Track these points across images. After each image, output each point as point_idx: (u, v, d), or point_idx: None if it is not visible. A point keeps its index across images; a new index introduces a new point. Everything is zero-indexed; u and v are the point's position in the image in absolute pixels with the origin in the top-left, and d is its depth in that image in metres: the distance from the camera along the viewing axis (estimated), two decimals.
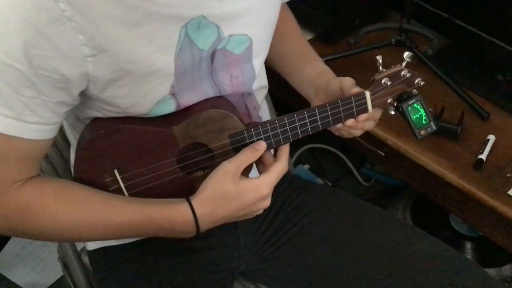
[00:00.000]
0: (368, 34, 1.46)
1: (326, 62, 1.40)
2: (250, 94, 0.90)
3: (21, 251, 1.72)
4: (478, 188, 1.10)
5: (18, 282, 1.65)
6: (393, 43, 1.40)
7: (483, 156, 1.14)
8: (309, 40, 1.48)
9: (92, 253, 0.98)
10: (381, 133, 1.25)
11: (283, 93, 1.28)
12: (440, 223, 1.54)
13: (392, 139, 1.24)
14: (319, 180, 1.79)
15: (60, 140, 0.99)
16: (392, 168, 1.26)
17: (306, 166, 1.83)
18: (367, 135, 1.29)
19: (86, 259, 1.04)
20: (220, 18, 0.75)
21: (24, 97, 0.67)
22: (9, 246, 1.70)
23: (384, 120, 1.21)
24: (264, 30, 0.85)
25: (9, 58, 0.64)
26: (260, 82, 0.92)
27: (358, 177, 1.79)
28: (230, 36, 0.78)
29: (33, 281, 1.65)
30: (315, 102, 0.92)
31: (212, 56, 0.78)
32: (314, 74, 0.95)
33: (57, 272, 1.65)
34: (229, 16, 0.76)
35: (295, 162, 1.81)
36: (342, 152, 1.83)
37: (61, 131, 0.97)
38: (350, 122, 0.85)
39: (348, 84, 0.86)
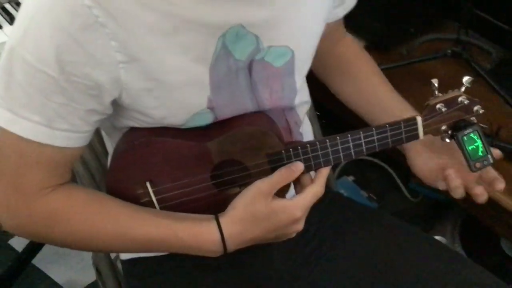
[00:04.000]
0: (423, 44, 1.41)
1: None
2: (291, 109, 0.86)
3: (61, 249, 1.73)
4: None
5: (57, 280, 1.68)
6: (448, 54, 1.34)
7: None
8: None
9: (125, 262, 0.97)
10: None
11: (329, 102, 1.23)
12: (490, 246, 1.46)
13: None
14: (363, 193, 1.74)
15: (98, 146, 0.99)
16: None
17: (351, 178, 1.77)
18: None
19: (119, 266, 1.04)
20: (259, 27, 0.72)
21: (55, 103, 0.67)
22: None
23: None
24: (306, 44, 0.81)
25: (42, 64, 0.64)
26: (302, 97, 0.89)
27: (405, 192, 1.73)
28: (269, 47, 0.75)
29: (72, 279, 1.68)
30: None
31: (250, 67, 0.76)
32: None
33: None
34: (268, 25, 0.73)
35: (340, 173, 1.76)
36: (389, 165, 1.77)
37: (100, 138, 0.96)
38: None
39: None
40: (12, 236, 1.78)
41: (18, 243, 1.75)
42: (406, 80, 1.35)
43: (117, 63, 0.66)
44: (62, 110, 0.67)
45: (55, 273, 1.69)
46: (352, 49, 1.02)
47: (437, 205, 1.70)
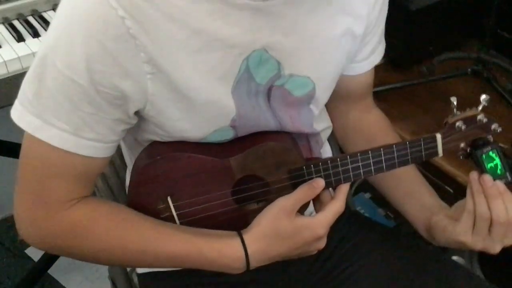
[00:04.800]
0: (443, 63, 1.40)
1: (396, 89, 1.36)
2: (315, 134, 0.87)
3: None
4: None
5: None
6: (469, 73, 1.33)
7: None
8: (379, 65, 1.43)
9: (142, 276, 0.96)
10: (451, 169, 1.18)
11: None
12: (509, 268, 1.43)
13: (462, 176, 1.17)
14: (380, 211, 1.72)
15: (118, 160, 0.99)
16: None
17: (368, 195, 1.76)
18: (435, 169, 1.23)
19: (135, 280, 1.03)
20: (281, 53, 0.72)
21: (83, 112, 0.67)
22: None
23: (455, 155, 1.15)
24: (327, 77, 0.81)
25: (72, 72, 0.64)
26: (323, 124, 0.89)
27: None
28: (291, 75, 0.75)
29: None
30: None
31: (269, 93, 0.76)
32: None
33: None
34: (290, 52, 0.73)
35: (356, 189, 1.74)
36: None
37: (119, 151, 0.96)
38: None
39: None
40: (28, 245, 1.79)
41: (35, 253, 1.76)
42: (426, 98, 1.35)
43: (145, 74, 0.66)
44: (90, 119, 0.68)
45: (71, 283, 1.69)
46: (381, 124, 0.99)
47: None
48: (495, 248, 0.77)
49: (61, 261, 1.67)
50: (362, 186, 1.77)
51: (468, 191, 0.77)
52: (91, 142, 0.70)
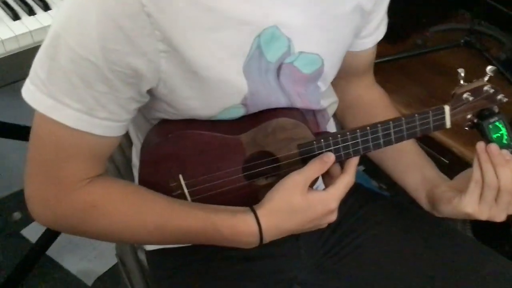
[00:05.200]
0: (435, 34, 1.41)
1: (390, 61, 1.36)
2: (321, 110, 0.88)
3: (75, 238, 1.74)
4: None
5: (71, 270, 1.69)
6: (461, 44, 1.35)
7: None
8: None
9: (150, 253, 0.97)
10: (446, 140, 1.20)
11: None
12: (501, 235, 1.47)
13: (458, 147, 1.19)
14: (374, 183, 1.75)
15: (123, 138, 0.98)
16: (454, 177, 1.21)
17: (361, 168, 1.78)
18: (431, 140, 1.24)
19: (142, 256, 1.04)
20: (292, 30, 0.72)
21: (96, 92, 0.67)
22: (63, 233, 1.74)
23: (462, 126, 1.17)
24: (335, 54, 0.82)
25: (86, 51, 0.64)
26: (329, 99, 0.90)
27: None
28: (300, 52, 0.75)
29: (86, 269, 1.69)
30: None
31: (279, 70, 0.76)
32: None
33: (109, 261, 1.67)
34: (301, 30, 0.73)
35: None
36: None
37: None
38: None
39: None
40: (23, 226, 1.78)
41: (30, 233, 1.76)
42: (419, 70, 1.36)
43: (159, 52, 0.66)
44: (103, 98, 0.67)
45: (69, 263, 1.70)
46: (382, 101, 1.00)
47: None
48: (501, 217, 0.80)
49: (59, 242, 1.66)
50: None
51: (475, 162, 0.79)
52: (104, 122, 0.69)
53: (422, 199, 0.90)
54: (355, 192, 1.01)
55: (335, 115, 1.14)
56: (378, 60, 1.35)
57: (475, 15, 1.31)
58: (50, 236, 1.61)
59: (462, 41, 1.35)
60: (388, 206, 1.00)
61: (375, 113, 0.96)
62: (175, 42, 0.65)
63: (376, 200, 1.02)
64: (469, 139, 1.14)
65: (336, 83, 0.95)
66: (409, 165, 0.92)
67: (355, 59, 0.93)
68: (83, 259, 1.71)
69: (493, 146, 0.77)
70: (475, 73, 0.82)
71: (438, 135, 1.22)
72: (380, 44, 1.41)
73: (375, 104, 0.99)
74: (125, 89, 0.68)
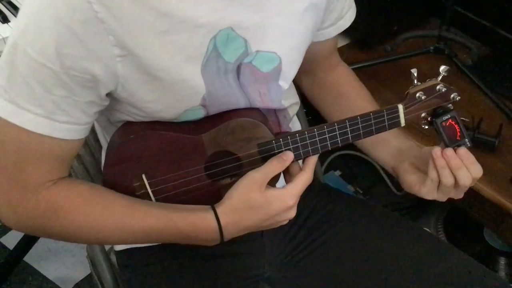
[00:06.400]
0: (406, 41, 1.44)
1: (362, 68, 1.39)
2: (283, 110, 0.90)
3: (53, 245, 1.75)
4: None
5: (49, 276, 1.68)
6: (431, 50, 1.37)
7: None
8: (344, 46, 1.47)
9: (119, 254, 0.99)
10: (416, 143, 1.22)
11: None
12: (473, 236, 1.50)
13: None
14: (350, 187, 1.77)
15: (93, 141, 1.00)
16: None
17: (338, 173, 1.80)
18: None
19: (114, 259, 1.05)
20: (248, 31, 0.74)
21: (55, 96, 0.68)
22: (42, 240, 1.74)
23: (419, 129, 1.19)
24: (293, 51, 0.84)
25: (42, 57, 0.65)
26: (291, 99, 0.92)
27: (391, 186, 1.76)
28: (257, 51, 0.77)
29: (64, 275, 1.68)
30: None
31: (238, 70, 0.78)
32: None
33: (87, 268, 1.66)
34: (256, 30, 0.75)
35: (327, 168, 1.79)
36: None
37: (94, 133, 0.98)
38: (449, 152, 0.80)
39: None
40: (2, 234, 1.78)
41: (9, 241, 1.75)
42: (390, 76, 1.38)
43: (114, 56, 0.67)
44: (63, 102, 0.69)
45: (47, 270, 1.70)
46: (347, 78, 1.03)
47: (422, 198, 1.73)
48: (458, 196, 0.84)
49: (37, 248, 1.67)
50: (332, 165, 1.82)
51: (430, 165, 0.81)
52: (65, 125, 0.71)
53: (391, 171, 0.92)
54: (321, 191, 1.04)
55: (304, 117, 1.17)
56: (351, 67, 1.39)
57: (444, 22, 1.34)
58: (27, 242, 1.62)
59: (432, 47, 1.37)
60: (353, 203, 1.03)
61: (339, 92, 1.00)
62: (130, 46, 0.67)
63: (342, 198, 1.04)
64: (437, 142, 1.17)
65: (302, 68, 0.95)
66: (378, 141, 0.94)
67: (319, 47, 0.95)
68: (61, 265, 1.71)
69: (449, 151, 0.80)
70: (445, 78, 0.84)
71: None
72: (352, 51, 1.45)
73: (341, 82, 1.02)
74: (84, 93, 0.70)
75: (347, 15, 0.94)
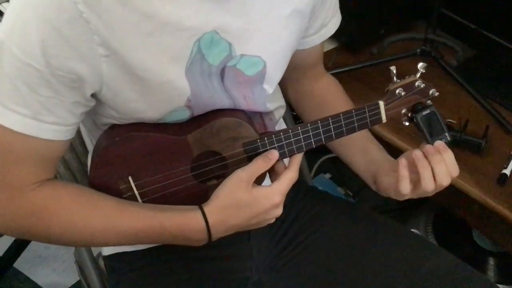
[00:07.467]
0: (393, 44, 1.45)
1: (349, 71, 1.40)
2: (268, 113, 0.90)
3: (44, 251, 1.75)
4: (501, 204, 1.08)
5: (39, 282, 1.67)
6: (418, 53, 1.39)
7: (507, 171, 1.12)
8: (332, 49, 1.48)
9: (107, 258, 0.98)
10: (400, 143, 1.22)
11: None
12: (462, 237, 1.51)
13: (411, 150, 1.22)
14: (340, 190, 1.77)
15: (79, 145, 1.00)
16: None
17: (327, 175, 1.81)
18: (384, 144, 1.27)
19: (101, 264, 1.05)
20: (232, 34, 0.75)
21: (41, 96, 0.68)
22: (32, 246, 1.73)
23: (403, 130, 1.19)
24: (278, 56, 0.84)
25: (28, 57, 0.66)
26: (276, 103, 0.93)
27: None
28: (242, 55, 0.78)
29: (54, 282, 1.68)
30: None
31: (222, 73, 0.78)
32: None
33: (77, 274, 1.66)
34: (241, 34, 0.76)
35: (316, 171, 1.79)
36: None
37: (80, 137, 0.98)
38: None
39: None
40: None
41: None
42: (377, 79, 1.40)
43: (99, 56, 0.68)
44: (49, 102, 0.69)
45: (37, 276, 1.69)
46: (332, 88, 1.04)
47: (410, 200, 1.74)
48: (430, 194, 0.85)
49: (27, 254, 1.66)
50: (322, 168, 1.82)
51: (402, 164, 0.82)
52: (52, 126, 0.71)
53: (368, 180, 0.93)
54: (308, 193, 1.04)
55: (291, 119, 1.18)
56: (339, 70, 1.40)
57: (430, 24, 1.35)
58: (17, 248, 1.61)
59: (418, 50, 1.39)
60: (338, 205, 1.03)
61: (325, 101, 1.01)
62: (114, 47, 0.68)
63: (328, 200, 1.04)
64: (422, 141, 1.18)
65: (288, 76, 0.96)
66: (358, 150, 0.95)
67: (304, 55, 0.96)
68: (52, 272, 1.70)
69: (428, 147, 0.81)
70: (431, 79, 0.86)
71: (392, 138, 1.24)
72: (340, 54, 1.46)
73: (326, 92, 1.03)
74: (70, 94, 0.70)
75: (331, 23, 0.95)
